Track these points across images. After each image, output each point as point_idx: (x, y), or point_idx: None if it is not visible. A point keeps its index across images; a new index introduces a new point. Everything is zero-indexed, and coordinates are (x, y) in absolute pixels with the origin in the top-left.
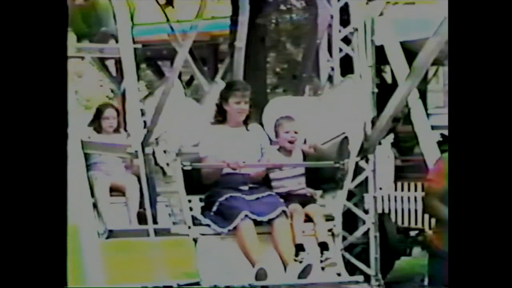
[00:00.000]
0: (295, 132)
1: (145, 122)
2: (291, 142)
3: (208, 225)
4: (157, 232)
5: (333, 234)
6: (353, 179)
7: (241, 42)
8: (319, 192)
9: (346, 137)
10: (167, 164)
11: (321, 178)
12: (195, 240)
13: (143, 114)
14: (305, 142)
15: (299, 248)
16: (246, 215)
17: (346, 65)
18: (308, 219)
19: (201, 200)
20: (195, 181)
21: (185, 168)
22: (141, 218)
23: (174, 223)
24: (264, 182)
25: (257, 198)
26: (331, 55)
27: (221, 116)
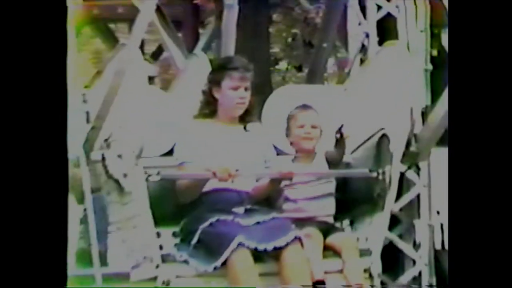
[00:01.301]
0: (313, 127)
1: (88, 113)
2: (305, 140)
3: (186, 262)
4: (109, 279)
5: (370, 276)
6: (397, 198)
7: None
8: (348, 218)
9: (385, 136)
10: (124, 175)
11: (351, 195)
12: (166, 284)
13: (85, 101)
14: (339, 132)
15: None
16: (240, 243)
17: (387, 31)
18: (333, 252)
19: (175, 234)
20: (167, 201)
21: (151, 179)
22: (83, 258)
23: (134, 267)
24: (269, 203)
25: (258, 223)
26: (364, 15)
27: (208, 107)
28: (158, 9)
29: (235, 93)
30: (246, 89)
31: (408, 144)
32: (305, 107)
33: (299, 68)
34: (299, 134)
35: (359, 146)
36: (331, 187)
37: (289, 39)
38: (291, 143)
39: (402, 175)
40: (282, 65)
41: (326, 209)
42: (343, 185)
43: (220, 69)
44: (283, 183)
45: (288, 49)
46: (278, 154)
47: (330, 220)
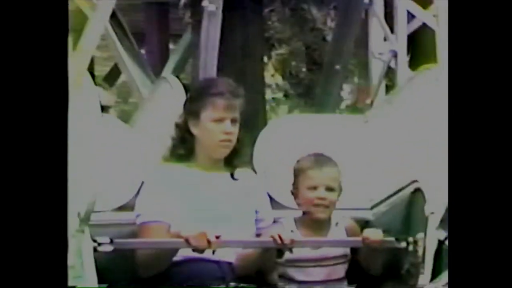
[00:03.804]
0: (329, 189)
1: None
2: (318, 207)
3: None
4: None
5: None
6: (434, 274)
7: (214, 0)
8: None
9: (419, 191)
10: None
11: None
12: None
13: None
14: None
15: None
16: None
17: (421, 49)
18: None
19: None
20: (123, 276)
21: (101, 249)
22: None
23: None
24: (260, 278)
25: None
26: (391, 28)
27: (183, 146)
28: (114, 16)
29: (218, 126)
30: (233, 121)
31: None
32: (318, 159)
33: (302, 95)
34: (309, 198)
35: (382, 201)
36: (344, 248)
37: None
38: (299, 204)
39: (440, 243)
40: (280, 90)
41: (336, 274)
42: (359, 256)
43: (199, 95)
44: (282, 254)
45: (288, 69)
46: (275, 208)
47: None
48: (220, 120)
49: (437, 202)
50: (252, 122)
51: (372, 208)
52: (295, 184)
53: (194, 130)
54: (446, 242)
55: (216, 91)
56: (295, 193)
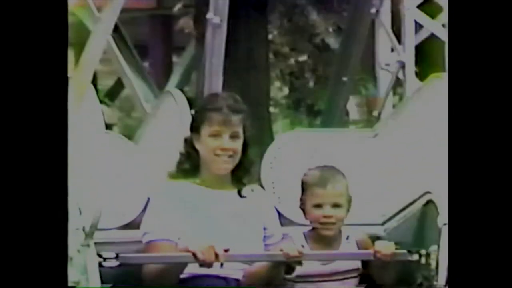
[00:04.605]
0: (335, 206)
1: None
2: (324, 224)
3: None
4: None
5: None
6: None
7: (219, 13)
8: None
9: (432, 203)
10: (70, 259)
11: (383, 281)
12: None
13: None
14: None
15: None
16: None
17: (429, 58)
18: None
19: None
20: None
21: (106, 264)
22: None
23: None
24: None
25: None
26: (399, 38)
27: (189, 162)
28: (116, 30)
29: (215, 141)
30: (233, 136)
31: None
32: (324, 175)
33: (309, 108)
34: (316, 216)
35: (394, 215)
36: (356, 262)
37: (295, 69)
38: (308, 220)
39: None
40: (287, 104)
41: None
42: (371, 269)
43: (199, 110)
44: (292, 269)
45: (295, 83)
46: (284, 224)
47: None
48: (217, 135)
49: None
50: (257, 136)
51: (383, 223)
52: (303, 200)
53: (197, 145)
54: None
55: (213, 106)
56: (303, 208)
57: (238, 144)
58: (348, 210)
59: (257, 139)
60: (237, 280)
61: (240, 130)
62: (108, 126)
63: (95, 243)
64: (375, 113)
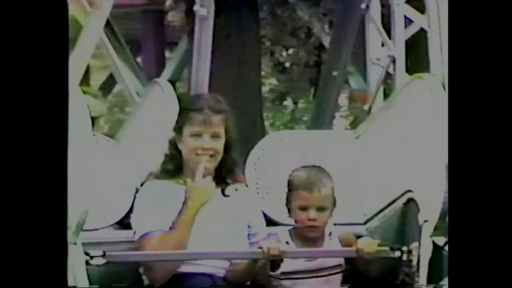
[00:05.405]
0: (320, 209)
1: None
2: (309, 228)
3: None
4: None
5: None
6: (434, 280)
7: (205, 4)
8: None
9: (413, 201)
10: None
11: (365, 279)
12: None
13: None
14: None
15: None
16: None
17: (418, 52)
18: None
19: None
20: None
21: (94, 262)
22: None
23: None
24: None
25: None
26: (388, 33)
27: (172, 162)
28: (108, 25)
29: (196, 141)
30: (214, 136)
31: (444, 214)
32: (310, 177)
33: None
34: (301, 218)
35: (376, 214)
36: (338, 259)
37: (286, 64)
38: (292, 219)
39: (440, 250)
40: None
41: (331, 284)
42: (354, 267)
43: (181, 110)
44: (277, 266)
45: (283, 79)
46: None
47: None
48: (198, 135)
49: (430, 210)
50: (249, 132)
51: (365, 223)
52: (288, 200)
53: (179, 145)
54: (446, 248)
55: (194, 106)
56: (288, 208)
57: (219, 144)
58: (332, 211)
59: (248, 135)
60: (223, 278)
61: (222, 130)
62: (95, 119)
63: (83, 244)
64: (365, 107)
